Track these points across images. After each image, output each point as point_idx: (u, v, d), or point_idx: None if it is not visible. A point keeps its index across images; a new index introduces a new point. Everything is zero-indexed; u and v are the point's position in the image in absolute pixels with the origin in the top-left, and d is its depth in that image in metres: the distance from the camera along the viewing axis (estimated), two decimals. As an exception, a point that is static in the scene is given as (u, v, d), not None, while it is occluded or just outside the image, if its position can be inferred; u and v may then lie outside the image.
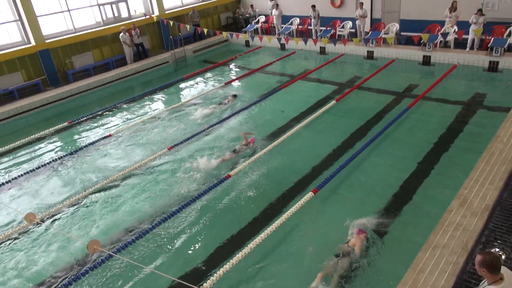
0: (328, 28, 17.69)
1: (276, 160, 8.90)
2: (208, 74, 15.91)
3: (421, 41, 14.13)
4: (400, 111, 10.43)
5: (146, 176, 8.74)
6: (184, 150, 9.63)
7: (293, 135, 9.86)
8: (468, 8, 14.25)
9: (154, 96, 13.95)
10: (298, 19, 19.32)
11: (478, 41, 13.72)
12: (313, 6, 17.36)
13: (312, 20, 17.63)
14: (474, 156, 7.94)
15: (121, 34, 16.49)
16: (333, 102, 11.52)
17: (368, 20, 17.29)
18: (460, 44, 14.18)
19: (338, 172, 7.94)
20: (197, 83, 14.98)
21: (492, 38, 13.30)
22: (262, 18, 20.67)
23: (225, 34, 16.18)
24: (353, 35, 17.29)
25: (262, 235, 6.26)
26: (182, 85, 14.90)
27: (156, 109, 12.70)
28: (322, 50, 17.08)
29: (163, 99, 13.76)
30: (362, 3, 16.22)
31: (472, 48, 13.82)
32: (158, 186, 8.32)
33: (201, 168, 8.59)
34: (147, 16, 17.83)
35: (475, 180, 7.01)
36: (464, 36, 14.11)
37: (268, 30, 20.25)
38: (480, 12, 13.33)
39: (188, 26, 17.35)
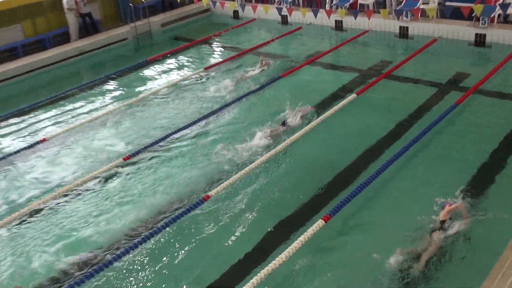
0: (346, -5, 17.80)
1: (273, 176, 8.88)
2: (181, 56, 15.90)
3: (473, 15, 14.24)
4: (444, 110, 10.45)
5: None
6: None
7: (298, 140, 9.84)
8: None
9: (106, 86, 13.88)
10: (305, -17, 19.41)
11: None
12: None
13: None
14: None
15: (64, 0, 16.42)
16: (352, 95, 11.54)
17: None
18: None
19: (357, 193, 7.92)
20: (166, 68, 14.96)
21: None
22: (257, -20, 20.75)
23: (205, 2, 16.21)
24: (380, 4, 17.38)
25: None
26: (145, 71, 14.86)
27: (108, 104, 12.64)
28: (338, 25, 17.13)
29: (119, 89, 13.69)
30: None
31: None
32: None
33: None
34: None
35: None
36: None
37: (265, -4, 20.33)
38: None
39: (154, -10, 17.39)
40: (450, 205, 7.22)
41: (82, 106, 12.65)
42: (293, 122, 10.50)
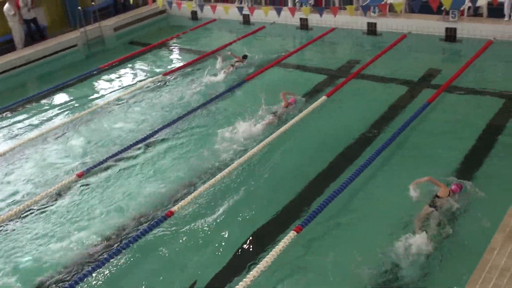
0: (310, -8, 18.01)
1: (245, 186, 8.90)
2: (137, 62, 15.81)
3: (442, 8, 14.59)
4: (417, 109, 10.68)
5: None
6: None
7: (267, 148, 9.89)
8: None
9: (56, 97, 13.70)
10: (267, -21, 19.55)
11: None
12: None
13: (287, -19, 17.93)
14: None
15: (5, 6, 16.14)
16: (322, 97, 11.66)
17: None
18: (496, 11, 14.76)
19: (330, 201, 8.00)
20: (121, 76, 14.84)
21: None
22: (215, -21, 20.81)
23: (160, 3, 16.15)
24: (346, 0, 17.63)
25: None
26: (98, 80, 14.71)
27: (59, 116, 12.46)
28: (304, 24, 17.32)
29: (71, 100, 13.50)
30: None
31: (510, 16, 14.39)
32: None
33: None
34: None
35: (524, 204, 7.22)
36: (500, 0, 14.71)
37: (224, -5, 20.39)
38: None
39: (105, -8, 17.24)
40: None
41: (30, 119, 12.44)
42: (280, 111, 11.05)
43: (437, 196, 7.64)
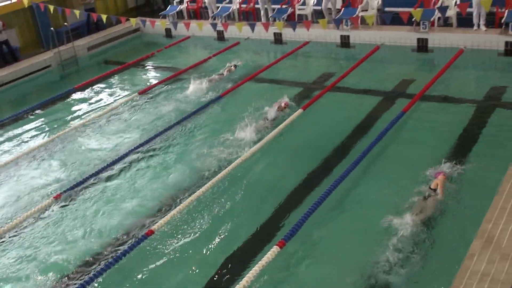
0: (283, 7, 18.15)
1: (224, 203, 8.88)
2: (112, 81, 15.73)
3: (413, 19, 14.82)
4: (392, 118, 10.79)
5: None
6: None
7: (245, 164, 9.87)
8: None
9: (30, 119, 13.53)
10: (240, -5, 19.69)
11: (485, 15, 14.61)
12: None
13: (259, -3, 18.07)
14: (496, 174, 8.30)
15: (-25, 29, 16.00)
16: (298, 111, 11.73)
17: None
18: (464, 20, 15.07)
19: (311, 214, 8.01)
20: (96, 96, 14.74)
21: (506, 11, 14.24)
22: (188, -4, 20.89)
23: (134, 22, 16.11)
24: (320, 14, 17.85)
25: None
26: (73, 100, 14.60)
27: (34, 138, 12.32)
28: (278, 38, 17.48)
29: (45, 122, 13.35)
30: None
31: (479, 25, 14.68)
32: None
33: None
34: (13, 0, 17.43)
35: (501, 209, 7.29)
36: (468, 10, 14.99)
37: (198, 12, 20.46)
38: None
39: (77, 12, 17.15)
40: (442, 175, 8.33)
41: (3, 144, 12.27)
42: (271, 116, 11.52)
43: (430, 188, 8.19)
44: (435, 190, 8.13)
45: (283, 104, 11.92)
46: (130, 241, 8.03)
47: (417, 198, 8.07)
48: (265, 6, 18.21)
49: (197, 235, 8.14)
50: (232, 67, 15.01)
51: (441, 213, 7.82)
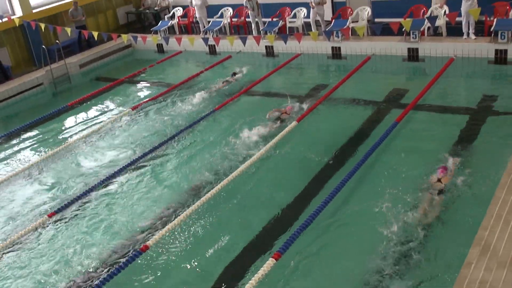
0: (274, 20, 18.26)
1: (219, 216, 8.86)
2: (105, 98, 15.73)
3: (403, 29, 14.94)
4: (386, 129, 10.82)
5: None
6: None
7: (240, 177, 9.86)
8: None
9: (23, 137, 13.49)
10: (230, 10, 19.79)
11: (474, 24, 14.73)
12: (248, -5, 17.84)
13: (250, 12, 18.14)
14: (491, 182, 8.36)
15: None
16: (293, 123, 11.75)
17: (328, 5, 18.08)
18: (454, 30, 15.21)
19: (307, 225, 8.00)
20: (89, 112, 14.73)
21: (495, 20, 14.38)
22: (179, 11, 20.97)
23: (125, 38, 16.15)
24: (310, 27, 17.92)
25: None
26: (66, 118, 14.57)
27: (28, 157, 12.29)
28: (269, 51, 17.55)
29: (39, 140, 13.31)
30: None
31: (469, 34, 14.80)
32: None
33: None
34: (4, 19, 17.44)
35: (497, 216, 7.31)
36: (458, 19, 15.14)
37: (189, 27, 20.54)
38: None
39: (68, 30, 17.18)
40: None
41: (-3, 162, 12.24)
42: (273, 117, 12.16)
43: (434, 183, 8.62)
44: (440, 191, 8.40)
45: (287, 108, 12.35)
46: (125, 257, 7.99)
47: (412, 206, 8.10)
48: (256, 19, 18.33)
49: (192, 249, 8.12)
50: (239, 74, 15.63)
51: (437, 222, 7.83)
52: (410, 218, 7.89)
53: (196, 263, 7.81)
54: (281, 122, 11.94)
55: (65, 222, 9.27)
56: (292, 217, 8.58)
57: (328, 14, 18.20)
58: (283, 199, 9.13)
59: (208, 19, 19.67)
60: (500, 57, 14.05)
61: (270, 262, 7.26)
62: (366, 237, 7.84)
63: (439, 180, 8.62)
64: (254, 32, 18.28)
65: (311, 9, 17.11)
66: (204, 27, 19.37)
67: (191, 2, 20.25)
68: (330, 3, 18.52)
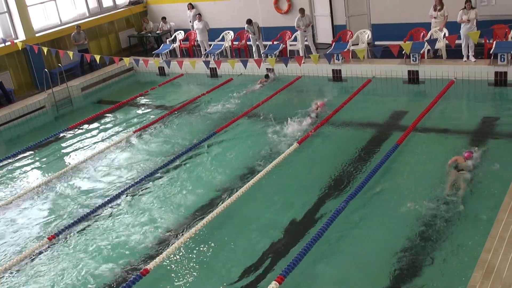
0: (275, 43, 18.41)
1: (219, 239, 8.84)
2: (107, 120, 15.80)
3: (403, 52, 15.03)
4: (387, 151, 10.83)
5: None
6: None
7: (240, 200, 9.85)
8: (459, 4, 15.49)
9: (24, 160, 13.53)
10: (232, 33, 19.96)
11: (473, 46, 14.83)
12: (249, 21, 17.96)
13: (251, 36, 18.31)
14: (494, 203, 8.35)
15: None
16: (294, 145, 11.77)
17: (328, 29, 18.23)
18: (454, 52, 15.31)
19: (309, 248, 7.97)
20: (91, 135, 14.77)
21: (494, 42, 14.49)
22: (181, 35, 21.15)
23: (127, 61, 16.28)
24: (310, 49, 18.04)
25: None
26: (67, 140, 14.62)
27: (29, 180, 12.31)
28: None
29: (40, 163, 13.34)
30: (302, 9, 17.25)
31: (468, 57, 14.90)
32: None
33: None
34: (7, 43, 17.59)
35: (499, 238, 7.29)
36: (457, 42, 15.27)
37: (191, 50, 20.71)
38: (469, 3, 14.48)
39: (71, 53, 17.31)
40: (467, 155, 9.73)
41: (-2, 185, 12.25)
42: (313, 114, 13.35)
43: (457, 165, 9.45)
44: (461, 170, 9.34)
45: (319, 103, 13.64)
46: (125, 281, 7.94)
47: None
48: (257, 42, 18.47)
49: (193, 272, 8.08)
50: (271, 75, 17.09)
51: (439, 245, 7.79)
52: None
53: (197, 287, 7.75)
54: (316, 117, 13.18)
55: (66, 246, 9.24)
56: (295, 239, 8.54)
57: (328, 37, 18.35)
58: (284, 221, 9.11)
59: (209, 43, 19.86)
60: (500, 79, 14.13)
61: (273, 285, 7.21)
62: (369, 260, 7.81)
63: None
64: (255, 55, 18.41)
65: (299, 33, 17.36)
66: (205, 50, 19.52)
67: (193, 25, 20.47)
68: (330, 26, 18.70)
